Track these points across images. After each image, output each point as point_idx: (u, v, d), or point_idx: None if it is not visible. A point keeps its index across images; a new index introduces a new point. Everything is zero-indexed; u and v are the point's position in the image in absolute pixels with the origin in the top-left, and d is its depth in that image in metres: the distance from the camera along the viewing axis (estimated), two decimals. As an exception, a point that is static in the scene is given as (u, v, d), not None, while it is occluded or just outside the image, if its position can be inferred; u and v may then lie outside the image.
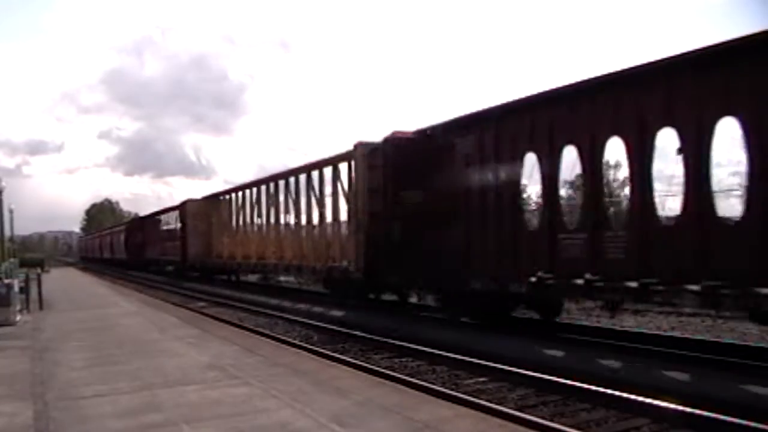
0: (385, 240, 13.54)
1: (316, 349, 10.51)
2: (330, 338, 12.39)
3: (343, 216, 16.44)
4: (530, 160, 10.24)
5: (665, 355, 8.81)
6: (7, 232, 26.91)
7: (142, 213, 54.32)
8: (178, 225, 31.24)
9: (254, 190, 23.22)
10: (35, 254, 62.93)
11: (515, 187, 10.64)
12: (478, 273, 11.08)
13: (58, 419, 5.73)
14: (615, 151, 9.09)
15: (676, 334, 11.31)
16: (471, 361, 9.14)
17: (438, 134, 12.59)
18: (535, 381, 8.01)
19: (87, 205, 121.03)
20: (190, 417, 5.65)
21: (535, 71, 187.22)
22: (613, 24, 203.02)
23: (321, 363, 8.39)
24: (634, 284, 8.35)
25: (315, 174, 17.89)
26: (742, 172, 7.70)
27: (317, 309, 16.18)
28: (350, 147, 15.09)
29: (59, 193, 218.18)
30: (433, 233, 12.20)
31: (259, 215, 22.60)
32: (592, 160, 9.24)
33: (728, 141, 7.96)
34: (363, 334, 11.94)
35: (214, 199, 28.92)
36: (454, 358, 9.47)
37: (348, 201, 15.84)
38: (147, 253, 40.00)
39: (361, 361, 9.51)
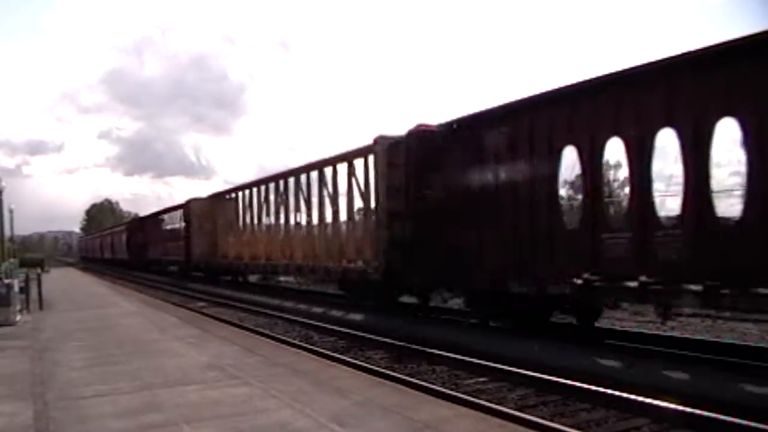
0: (407, 239, 12.94)
1: (316, 349, 10.51)
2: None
3: (359, 215, 15.99)
4: (569, 154, 9.60)
5: (665, 355, 8.82)
6: (7, 232, 26.94)
7: (142, 213, 54.34)
8: (182, 224, 30.81)
9: (262, 188, 22.51)
10: (35, 254, 62.87)
11: (552, 183, 9.91)
12: (512, 274, 10.42)
13: (58, 419, 5.73)
14: (667, 145, 8.26)
15: (676, 334, 11.31)
16: (471, 361, 9.14)
17: (465, 127, 11.86)
18: (534, 381, 8.01)
19: (87, 205, 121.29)
20: (190, 417, 5.65)
21: (535, 71, 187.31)
22: (613, 24, 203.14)
23: (321, 363, 8.39)
24: (696, 287, 7.73)
25: (328, 171, 17.23)
26: None
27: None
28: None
29: (59, 193, 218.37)
30: (460, 232, 11.53)
31: (268, 214, 22.01)
32: (641, 155, 8.50)
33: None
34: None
35: (219, 198, 28.28)
36: (454, 358, 9.47)
37: (364, 199, 15.24)
38: (149, 254, 39.64)
39: (361, 361, 9.52)
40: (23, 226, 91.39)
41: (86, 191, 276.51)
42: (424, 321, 13.24)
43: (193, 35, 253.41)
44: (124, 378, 7.43)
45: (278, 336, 12.17)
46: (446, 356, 9.61)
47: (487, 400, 7.12)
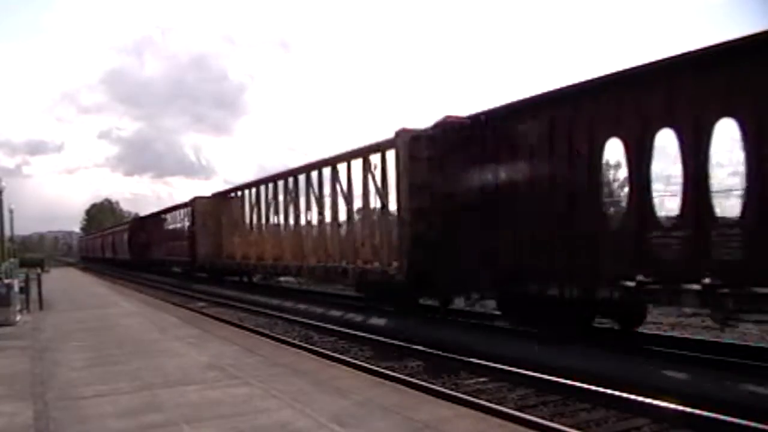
0: (433, 239, 12.26)
1: (316, 349, 10.51)
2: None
3: (375, 213, 15.22)
4: (614, 147, 9.02)
5: (665, 355, 8.82)
6: (7, 232, 26.97)
7: (142, 213, 54.04)
8: (186, 224, 30.11)
9: (270, 186, 21.66)
10: (35, 254, 62.86)
11: (595, 178, 9.36)
12: (551, 276, 9.79)
13: (58, 419, 5.73)
14: (726, 136, 7.69)
15: (676, 334, 11.32)
16: (470, 361, 9.14)
17: (497, 119, 11.21)
18: (534, 381, 8.01)
19: (87, 205, 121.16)
20: (190, 417, 5.65)
21: (534, 72, 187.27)
22: (613, 24, 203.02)
23: (321, 363, 8.39)
24: (763, 290, 7.16)
25: (342, 167, 16.41)
26: None
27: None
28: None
29: (59, 193, 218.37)
30: (492, 232, 10.97)
31: (276, 213, 21.21)
32: (697, 147, 7.90)
33: None
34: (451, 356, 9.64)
35: (224, 196, 27.42)
36: (454, 357, 9.47)
37: (381, 196, 14.57)
38: (152, 254, 38.92)
39: (361, 361, 9.52)
40: (23, 226, 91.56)
41: (86, 191, 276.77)
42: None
43: (193, 35, 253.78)
44: (125, 378, 7.44)
45: (278, 336, 12.17)
46: (445, 356, 9.60)
47: (487, 400, 7.12)
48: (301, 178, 19.03)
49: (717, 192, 7.89)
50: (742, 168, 7.62)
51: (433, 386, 7.67)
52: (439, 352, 9.81)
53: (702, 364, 8.19)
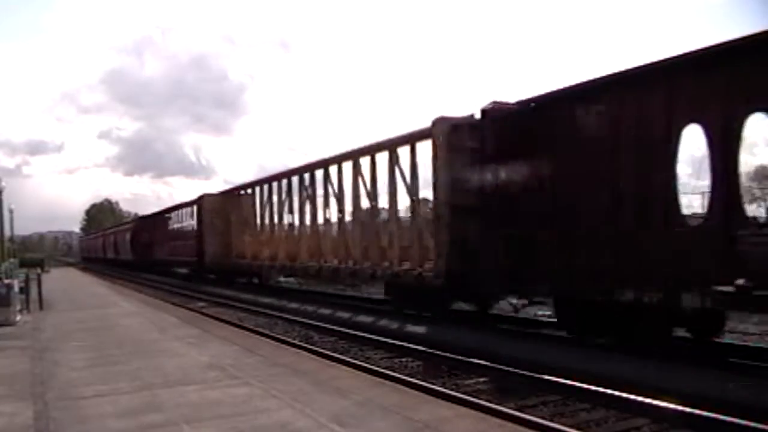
0: (476, 239, 11.31)
1: (316, 349, 10.51)
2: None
3: (403, 211, 14.58)
4: (693, 134, 8.07)
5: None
6: (7, 232, 26.99)
7: (142, 213, 53.74)
8: (193, 223, 29.22)
9: (284, 182, 20.74)
10: (35, 254, 62.85)
11: (668, 170, 8.33)
12: (622, 280, 8.79)
13: (58, 419, 5.73)
14: None
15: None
16: (470, 361, 9.13)
17: (550, 106, 10.25)
18: (534, 381, 8.01)
19: (87, 205, 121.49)
20: (190, 417, 5.65)
21: (533, 72, 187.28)
22: (613, 24, 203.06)
23: (321, 363, 8.39)
24: None
25: (364, 161, 15.44)
26: None
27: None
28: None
29: (59, 193, 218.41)
30: (547, 230, 10.06)
31: (291, 211, 20.26)
32: None
33: None
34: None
35: (233, 194, 26.65)
36: (454, 358, 9.47)
37: (410, 192, 13.72)
38: (155, 254, 37.78)
39: (361, 361, 9.52)
40: (23, 226, 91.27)
41: (86, 191, 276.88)
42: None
43: (193, 35, 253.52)
44: (124, 378, 7.44)
45: (278, 336, 12.17)
46: (445, 356, 9.53)
47: (487, 400, 7.12)
48: (319, 173, 18.19)
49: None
50: None
51: (432, 386, 7.67)
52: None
53: (703, 364, 8.10)
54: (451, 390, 7.65)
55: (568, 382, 7.59)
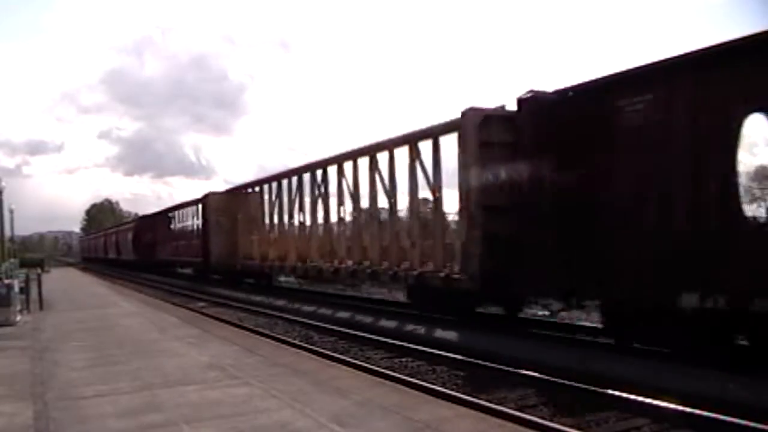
0: (510, 239, 10.62)
1: (316, 349, 10.51)
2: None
3: (424, 209, 14.13)
4: (756, 125, 7.48)
5: (664, 355, 8.77)
6: (7, 232, 27.01)
7: (142, 213, 53.63)
8: (198, 222, 28.59)
9: (294, 179, 20.01)
10: (35, 254, 62.86)
11: (727, 165, 7.66)
12: (681, 284, 8.03)
13: (58, 419, 5.73)
14: None
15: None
16: (470, 361, 9.13)
17: (590, 96, 9.49)
18: (534, 381, 8.01)
19: (87, 205, 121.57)
20: (190, 417, 5.65)
21: (533, 72, 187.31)
22: (613, 24, 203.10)
23: (321, 363, 8.39)
24: None
25: (382, 156, 14.70)
26: None
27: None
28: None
29: (59, 193, 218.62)
30: (589, 232, 9.36)
31: (302, 209, 19.62)
32: None
33: None
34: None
35: (239, 192, 26.00)
36: (454, 358, 9.46)
37: (433, 190, 13.10)
38: (158, 254, 36.92)
39: (361, 361, 9.51)
40: (23, 226, 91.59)
41: (86, 191, 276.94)
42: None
43: (193, 35, 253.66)
44: (125, 378, 7.44)
45: (278, 336, 12.17)
46: (446, 356, 9.54)
47: (487, 400, 7.12)
48: (332, 170, 17.42)
49: None
50: None
51: (433, 386, 7.67)
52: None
53: (703, 364, 8.03)
54: (451, 390, 7.63)
55: (568, 382, 7.57)
